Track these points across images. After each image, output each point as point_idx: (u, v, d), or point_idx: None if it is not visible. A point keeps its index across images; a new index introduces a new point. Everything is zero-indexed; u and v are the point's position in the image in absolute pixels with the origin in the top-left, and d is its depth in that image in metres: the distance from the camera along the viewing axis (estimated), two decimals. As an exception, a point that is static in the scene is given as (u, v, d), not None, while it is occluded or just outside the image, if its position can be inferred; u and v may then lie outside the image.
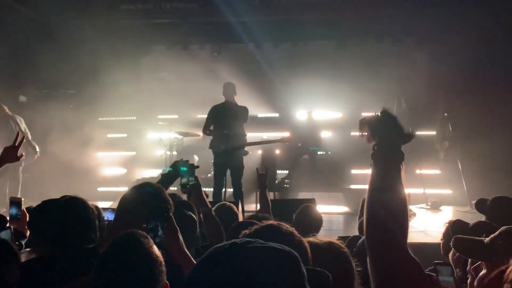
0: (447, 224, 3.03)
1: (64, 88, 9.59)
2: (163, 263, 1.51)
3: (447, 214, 7.90)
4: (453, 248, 2.12)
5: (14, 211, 2.53)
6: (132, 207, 2.09)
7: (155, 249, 1.53)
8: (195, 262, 1.85)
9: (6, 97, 8.12)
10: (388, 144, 1.33)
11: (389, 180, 1.28)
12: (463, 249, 1.95)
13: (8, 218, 2.45)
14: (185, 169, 2.80)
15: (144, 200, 2.07)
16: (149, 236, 1.58)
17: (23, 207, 2.58)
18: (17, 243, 2.38)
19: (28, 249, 2.29)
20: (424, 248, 4.01)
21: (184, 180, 2.83)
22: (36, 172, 9.11)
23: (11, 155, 2.81)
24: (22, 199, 2.63)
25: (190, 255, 1.87)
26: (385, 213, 1.24)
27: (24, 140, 2.96)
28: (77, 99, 9.71)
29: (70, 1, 8.71)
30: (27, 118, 7.61)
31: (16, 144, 2.82)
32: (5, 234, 2.34)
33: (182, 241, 1.86)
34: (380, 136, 1.36)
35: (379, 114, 1.38)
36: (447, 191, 9.13)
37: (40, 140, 7.97)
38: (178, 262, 1.84)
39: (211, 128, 6.50)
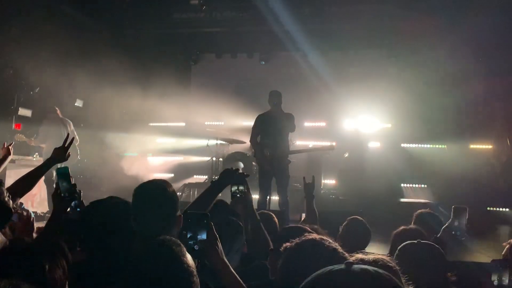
0: (507, 246, 2.83)
1: (117, 94, 9.92)
2: (195, 272, 1.45)
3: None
4: None
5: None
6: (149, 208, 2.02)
7: (188, 258, 1.46)
8: (233, 272, 1.81)
9: (64, 101, 8.49)
10: None
11: None
12: None
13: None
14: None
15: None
16: (182, 244, 1.52)
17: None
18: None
19: (78, 249, 2.32)
20: (481, 268, 3.75)
21: (234, 188, 2.79)
22: (88, 173, 9.48)
23: (60, 155, 2.97)
24: (81, 192, 2.55)
25: (229, 264, 1.81)
26: None
27: (72, 142, 3.08)
28: (128, 104, 10.01)
29: (125, 11, 9.02)
30: (83, 121, 7.88)
31: (66, 145, 2.98)
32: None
33: (222, 249, 1.81)
34: None
35: None
36: (504, 209, 8.58)
37: (93, 142, 8.26)
38: (216, 271, 1.79)
39: (259, 137, 6.45)
